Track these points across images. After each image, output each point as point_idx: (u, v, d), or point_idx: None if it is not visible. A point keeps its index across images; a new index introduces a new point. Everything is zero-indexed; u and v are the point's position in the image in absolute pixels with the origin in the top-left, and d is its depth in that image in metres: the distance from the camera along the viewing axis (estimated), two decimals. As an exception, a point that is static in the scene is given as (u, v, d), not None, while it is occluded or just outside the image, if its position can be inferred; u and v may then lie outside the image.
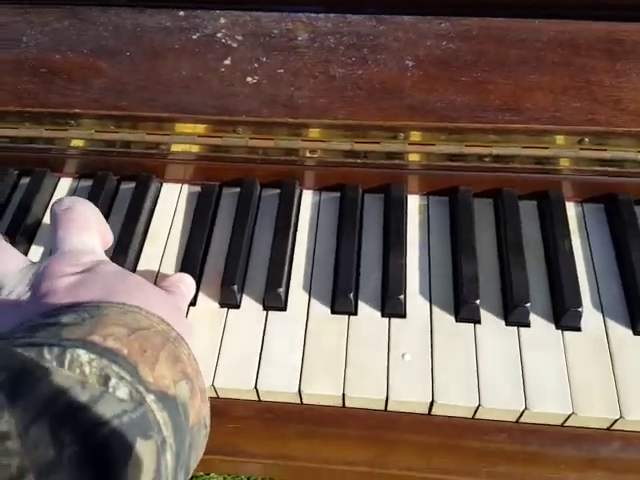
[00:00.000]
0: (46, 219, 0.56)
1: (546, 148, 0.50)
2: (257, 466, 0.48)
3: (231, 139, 0.51)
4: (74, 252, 0.42)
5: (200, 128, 0.51)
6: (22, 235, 0.54)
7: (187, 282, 0.49)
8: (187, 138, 0.52)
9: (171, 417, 0.32)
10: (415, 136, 0.49)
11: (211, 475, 1.22)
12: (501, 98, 0.49)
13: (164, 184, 0.58)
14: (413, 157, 0.51)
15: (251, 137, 0.51)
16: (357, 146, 0.50)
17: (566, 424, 0.45)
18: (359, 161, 0.52)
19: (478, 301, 0.47)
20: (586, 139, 0.49)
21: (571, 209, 0.54)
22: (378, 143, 0.50)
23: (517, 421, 0.46)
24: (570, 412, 0.44)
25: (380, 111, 0.48)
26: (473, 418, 0.46)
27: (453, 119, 0.48)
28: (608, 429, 0.45)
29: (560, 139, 0.49)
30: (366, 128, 0.49)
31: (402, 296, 0.48)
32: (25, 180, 0.58)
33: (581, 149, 0.50)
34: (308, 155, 0.53)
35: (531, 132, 0.49)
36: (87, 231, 0.44)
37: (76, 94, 0.49)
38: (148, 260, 0.53)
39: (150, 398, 0.31)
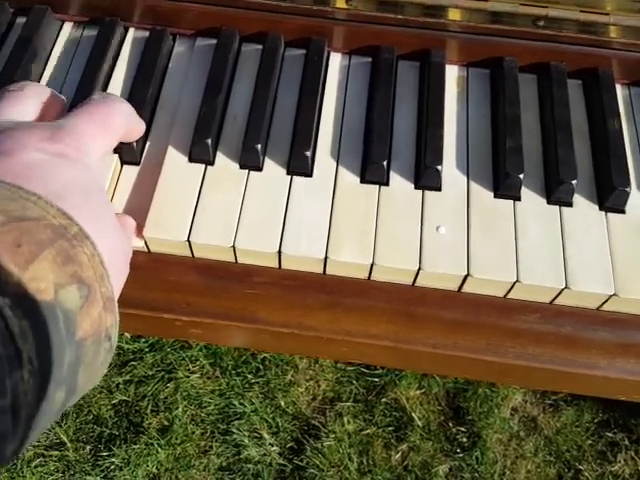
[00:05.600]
0: (47, 67, 0.50)
1: (606, 14, 0.46)
2: (274, 335, 0.45)
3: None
4: (70, 134, 0.35)
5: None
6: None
7: (128, 223, 0.43)
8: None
9: (36, 327, 0.27)
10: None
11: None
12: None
13: (178, 37, 0.52)
14: (458, 14, 0.47)
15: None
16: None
17: (603, 308, 0.44)
18: (399, 17, 0.47)
19: (522, 175, 0.44)
20: (651, 8, 0.45)
21: (618, 91, 0.51)
22: (425, -6, 0.45)
23: (551, 302, 0.44)
24: (611, 293, 0.42)
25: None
26: (505, 297, 0.44)
27: (515, -31, 0.43)
28: (647, 314, 0.43)
29: (622, 3, 0.45)
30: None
31: (440, 167, 0.45)
32: (22, 20, 0.51)
33: (644, 19, 0.46)
34: (341, 6, 0.47)
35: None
36: (103, 133, 0.37)
37: None
38: (159, 126, 0.48)
39: (3, 302, 0.26)
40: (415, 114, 0.49)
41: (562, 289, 0.42)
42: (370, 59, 0.52)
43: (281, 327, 0.44)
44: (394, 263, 0.43)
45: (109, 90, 0.50)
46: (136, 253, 0.44)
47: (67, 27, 0.52)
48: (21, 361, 0.25)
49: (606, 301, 0.42)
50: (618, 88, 0.51)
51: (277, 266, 0.44)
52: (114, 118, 0.38)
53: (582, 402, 1.21)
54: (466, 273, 0.42)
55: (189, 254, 0.44)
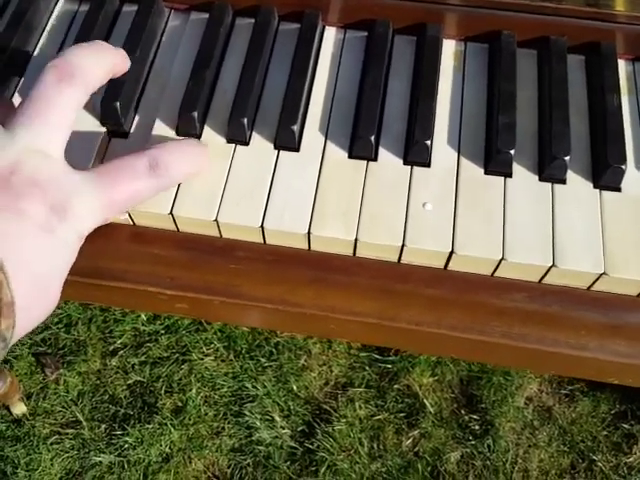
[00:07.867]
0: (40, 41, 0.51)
1: (607, -14, 0.44)
2: (258, 311, 0.45)
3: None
4: (10, 139, 0.35)
5: None
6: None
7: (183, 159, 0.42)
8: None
9: None
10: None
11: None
12: None
13: (172, 11, 0.52)
14: (455, -13, 0.46)
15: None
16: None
17: (593, 288, 0.42)
18: (393, -12, 0.46)
19: (513, 151, 0.43)
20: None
21: (621, 67, 0.49)
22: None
23: (540, 281, 0.43)
24: (601, 272, 0.40)
25: None
26: (492, 275, 0.43)
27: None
28: (638, 295, 0.42)
29: (625, -25, 0.43)
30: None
31: (429, 142, 0.44)
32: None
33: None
34: (335, -22, 0.47)
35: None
36: (56, 124, 0.37)
37: None
38: (149, 98, 0.48)
39: None
40: (409, 88, 0.48)
41: (549, 267, 0.41)
42: (365, 33, 0.51)
43: (265, 302, 0.44)
44: (377, 239, 0.42)
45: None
46: (121, 226, 0.44)
47: (62, 2, 0.53)
48: None
49: (596, 280, 0.41)
50: (621, 63, 0.49)
51: (262, 241, 0.44)
52: (68, 97, 0.37)
53: (599, 393, 1.19)
54: (450, 250, 0.41)
55: (174, 228, 0.44)
